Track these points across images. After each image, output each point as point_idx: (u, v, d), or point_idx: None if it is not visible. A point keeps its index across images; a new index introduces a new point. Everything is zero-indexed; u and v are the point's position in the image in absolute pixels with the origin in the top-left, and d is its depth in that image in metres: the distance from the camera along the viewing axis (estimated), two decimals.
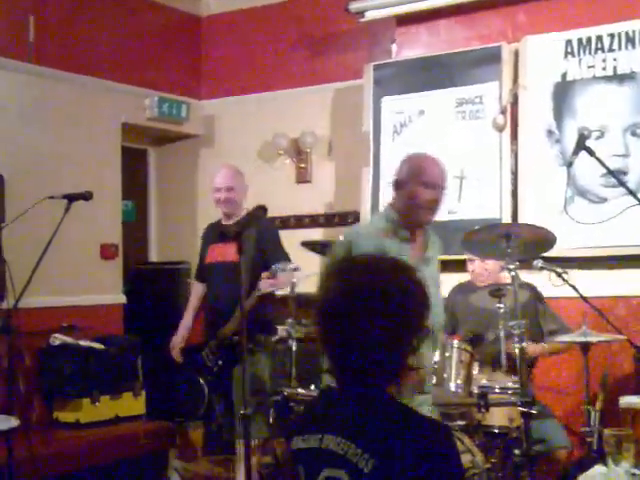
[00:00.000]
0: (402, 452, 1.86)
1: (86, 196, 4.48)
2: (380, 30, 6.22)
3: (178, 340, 5.09)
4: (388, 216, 3.55)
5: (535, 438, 3.87)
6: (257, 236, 4.68)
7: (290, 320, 4.89)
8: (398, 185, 3.52)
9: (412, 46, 6.06)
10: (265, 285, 4.54)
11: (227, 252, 4.73)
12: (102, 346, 5.71)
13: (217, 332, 4.80)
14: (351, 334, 1.96)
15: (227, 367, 4.78)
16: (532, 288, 4.72)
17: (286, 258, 4.83)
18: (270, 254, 4.78)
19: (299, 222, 6.56)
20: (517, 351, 3.78)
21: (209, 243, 5.09)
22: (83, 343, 5.68)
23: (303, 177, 6.63)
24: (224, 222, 5.01)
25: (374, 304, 1.96)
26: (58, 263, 5.56)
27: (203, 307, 5.22)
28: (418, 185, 3.44)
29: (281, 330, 5.15)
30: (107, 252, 6.28)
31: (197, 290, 5.24)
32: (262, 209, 3.85)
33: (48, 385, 5.60)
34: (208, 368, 4.82)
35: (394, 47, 6.11)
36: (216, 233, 5.00)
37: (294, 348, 4.80)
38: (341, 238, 4.91)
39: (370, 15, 6.03)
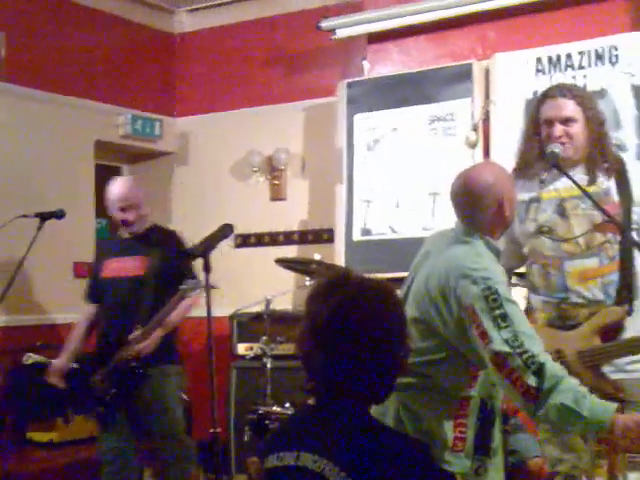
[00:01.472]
0: (380, 471, 1.87)
1: (59, 214, 4.47)
2: (352, 48, 6.27)
3: (57, 365, 4.62)
4: (489, 244, 2.89)
5: (508, 450, 3.89)
6: (167, 252, 4.45)
7: (264, 337, 4.89)
8: (503, 202, 2.88)
9: (384, 64, 6.10)
10: (177, 315, 4.31)
11: (128, 266, 4.49)
12: (76, 365, 5.67)
13: (115, 355, 4.39)
14: (337, 353, 1.98)
15: (121, 397, 4.39)
16: None
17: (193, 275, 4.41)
18: (184, 269, 4.41)
19: (273, 239, 6.57)
20: None
21: (105, 258, 4.64)
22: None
23: (277, 194, 6.64)
24: (125, 236, 4.65)
25: (363, 324, 1.97)
26: (31, 281, 5.54)
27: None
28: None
29: (256, 348, 5.14)
30: (80, 270, 6.25)
31: (88, 312, 4.74)
32: (229, 227, 3.82)
33: (21, 404, 5.56)
34: (98, 398, 4.38)
35: (366, 65, 6.15)
36: (114, 248, 4.65)
37: (269, 365, 4.79)
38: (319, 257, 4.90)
39: (341, 33, 6.08)
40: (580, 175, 3.24)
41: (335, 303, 2.01)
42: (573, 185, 3.18)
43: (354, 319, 1.98)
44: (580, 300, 3.13)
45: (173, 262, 4.43)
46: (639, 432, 2.51)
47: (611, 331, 3.04)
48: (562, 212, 3.22)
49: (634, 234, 3.15)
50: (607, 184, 3.21)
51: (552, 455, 3.19)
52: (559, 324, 3.16)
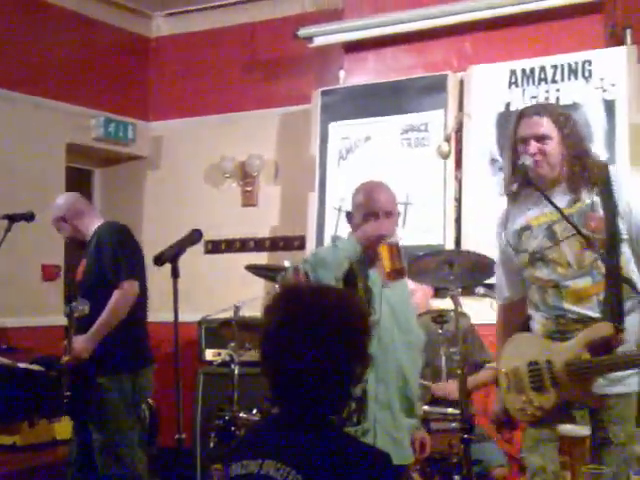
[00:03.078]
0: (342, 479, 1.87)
1: (28, 217, 4.44)
2: (329, 56, 6.28)
3: None
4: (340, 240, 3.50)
5: (473, 459, 3.90)
6: (96, 246, 4.37)
7: (232, 344, 4.87)
8: (349, 217, 3.49)
9: (360, 73, 6.12)
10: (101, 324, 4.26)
11: (79, 272, 4.47)
12: (41, 368, 5.62)
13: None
14: (295, 362, 1.97)
15: (76, 400, 4.35)
16: (466, 316, 4.70)
17: (121, 271, 4.30)
18: (106, 264, 4.34)
19: (244, 246, 6.56)
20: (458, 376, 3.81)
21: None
22: (21, 365, 5.59)
23: (249, 200, 6.63)
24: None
25: (319, 333, 1.97)
26: None
27: None
28: (366, 216, 3.38)
29: (224, 354, 5.12)
30: (49, 273, 6.21)
31: None
32: (198, 233, 3.79)
33: None
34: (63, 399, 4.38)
35: (342, 73, 6.16)
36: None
37: (236, 372, 4.78)
38: (289, 264, 4.92)
39: (318, 41, 6.10)
40: (562, 195, 3.24)
41: (291, 312, 2.00)
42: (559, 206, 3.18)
43: (310, 328, 1.97)
44: (576, 317, 3.14)
45: (96, 263, 4.34)
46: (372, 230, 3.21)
47: (601, 346, 3.05)
48: (552, 236, 3.22)
49: (624, 245, 3.15)
50: (591, 198, 3.21)
51: (532, 464, 3.19)
52: (558, 337, 3.17)
